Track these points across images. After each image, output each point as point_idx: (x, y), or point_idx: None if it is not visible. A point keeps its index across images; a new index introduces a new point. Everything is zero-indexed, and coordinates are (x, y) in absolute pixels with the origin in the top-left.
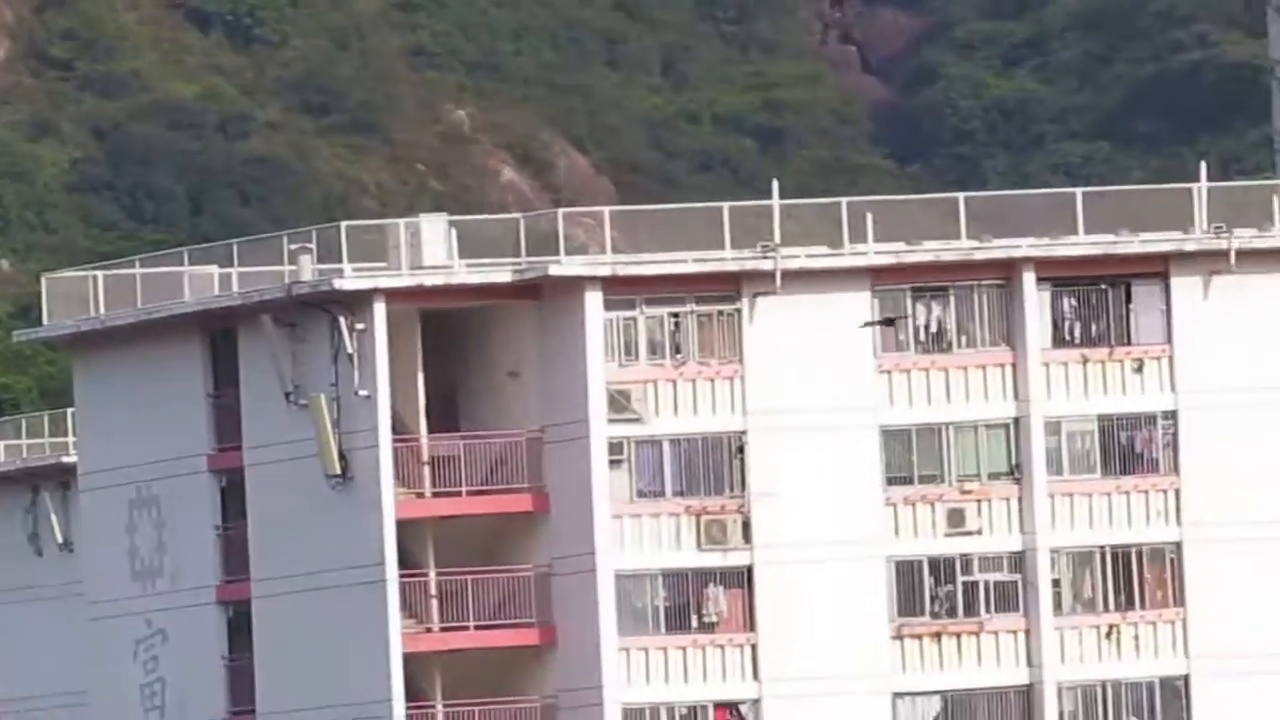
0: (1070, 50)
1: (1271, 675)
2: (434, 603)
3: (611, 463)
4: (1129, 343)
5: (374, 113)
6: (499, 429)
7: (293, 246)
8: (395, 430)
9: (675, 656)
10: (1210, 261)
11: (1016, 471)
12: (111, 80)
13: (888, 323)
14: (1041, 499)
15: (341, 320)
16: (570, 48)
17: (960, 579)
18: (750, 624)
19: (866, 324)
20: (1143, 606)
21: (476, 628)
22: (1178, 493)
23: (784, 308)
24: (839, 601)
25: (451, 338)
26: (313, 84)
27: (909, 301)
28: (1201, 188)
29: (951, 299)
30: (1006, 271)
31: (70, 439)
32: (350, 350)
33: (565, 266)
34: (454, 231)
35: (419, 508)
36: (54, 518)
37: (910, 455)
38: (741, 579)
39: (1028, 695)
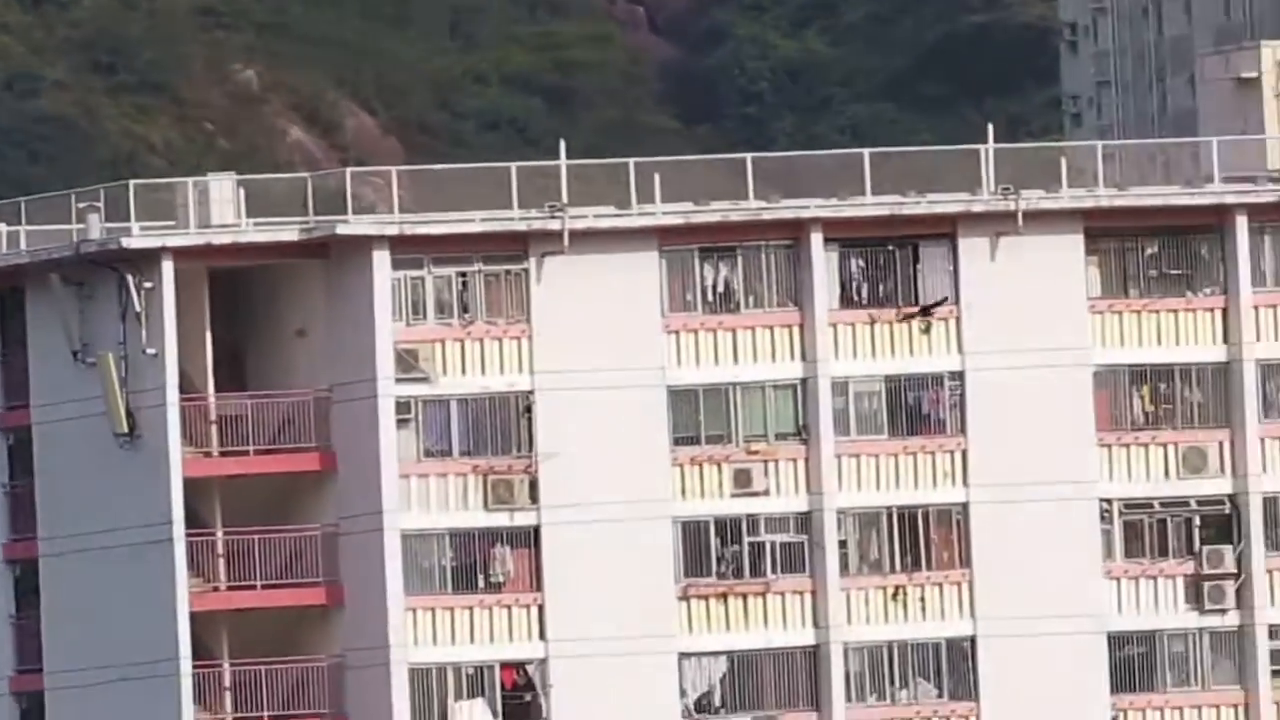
0: (858, 12)
1: (1055, 636)
2: (221, 562)
3: (399, 422)
4: (916, 304)
5: (163, 72)
6: (287, 388)
7: (81, 205)
8: (183, 389)
9: (462, 616)
10: (997, 223)
11: (803, 432)
12: None
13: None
14: (828, 460)
15: (129, 279)
16: (358, 8)
17: (747, 540)
18: (537, 584)
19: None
20: (929, 568)
21: (264, 587)
22: (964, 454)
23: (571, 268)
24: (625, 562)
25: (239, 297)
26: (101, 43)
27: (696, 262)
28: (989, 149)
29: (739, 260)
30: (794, 232)
31: None
32: (138, 309)
33: (353, 226)
34: (242, 190)
35: (206, 466)
36: None
37: (697, 415)
38: (528, 539)
39: (814, 656)
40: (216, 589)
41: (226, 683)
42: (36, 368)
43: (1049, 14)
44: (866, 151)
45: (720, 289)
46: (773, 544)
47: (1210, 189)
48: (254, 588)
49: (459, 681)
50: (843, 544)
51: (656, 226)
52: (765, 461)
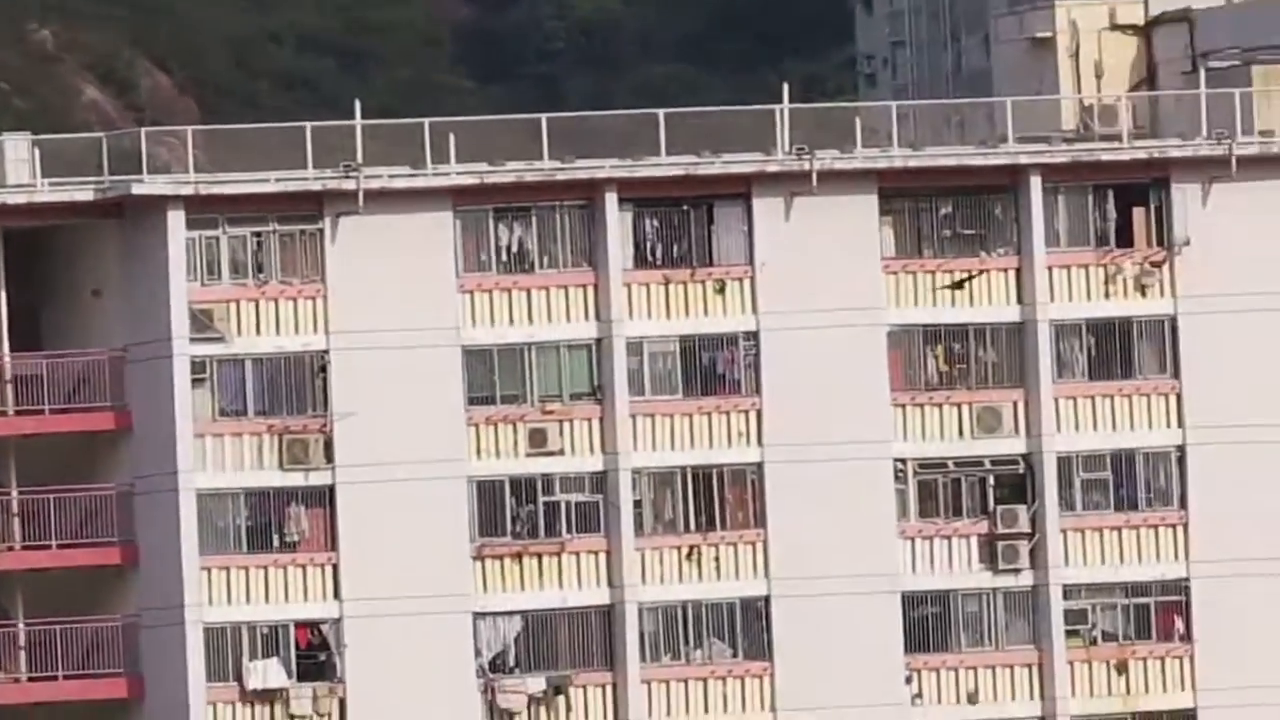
0: None
1: (849, 596)
2: (16, 521)
3: (194, 382)
4: (711, 264)
5: None
6: (83, 348)
7: None
8: None
9: (257, 576)
10: (792, 183)
11: (598, 392)
12: None
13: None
14: (623, 420)
15: None
16: None
17: (542, 499)
18: (332, 544)
19: (945, 286)
20: (724, 527)
21: (59, 547)
22: (759, 414)
23: (366, 228)
24: (420, 521)
25: (35, 256)
26: None
27: (491, 222)
28: (784, 110)
29: (534, 220)
30: (589, 193)
31: None
32: None
33: (148, 186)
34: (37, 150)
35: (1, 426)
36: None
37: (492, 375)
38: (323, 498)
39: (609, 616)
40: (11, 548)
41: (21, 642)
42: None
43: None
44: (661, 112)
45: (515, 249)
46: (568, 503)
47: (1004, 149)
48: (49, 547)
49: (254, 641)
50: (637, 504)
51: (451, 187)
52: (560, 421)
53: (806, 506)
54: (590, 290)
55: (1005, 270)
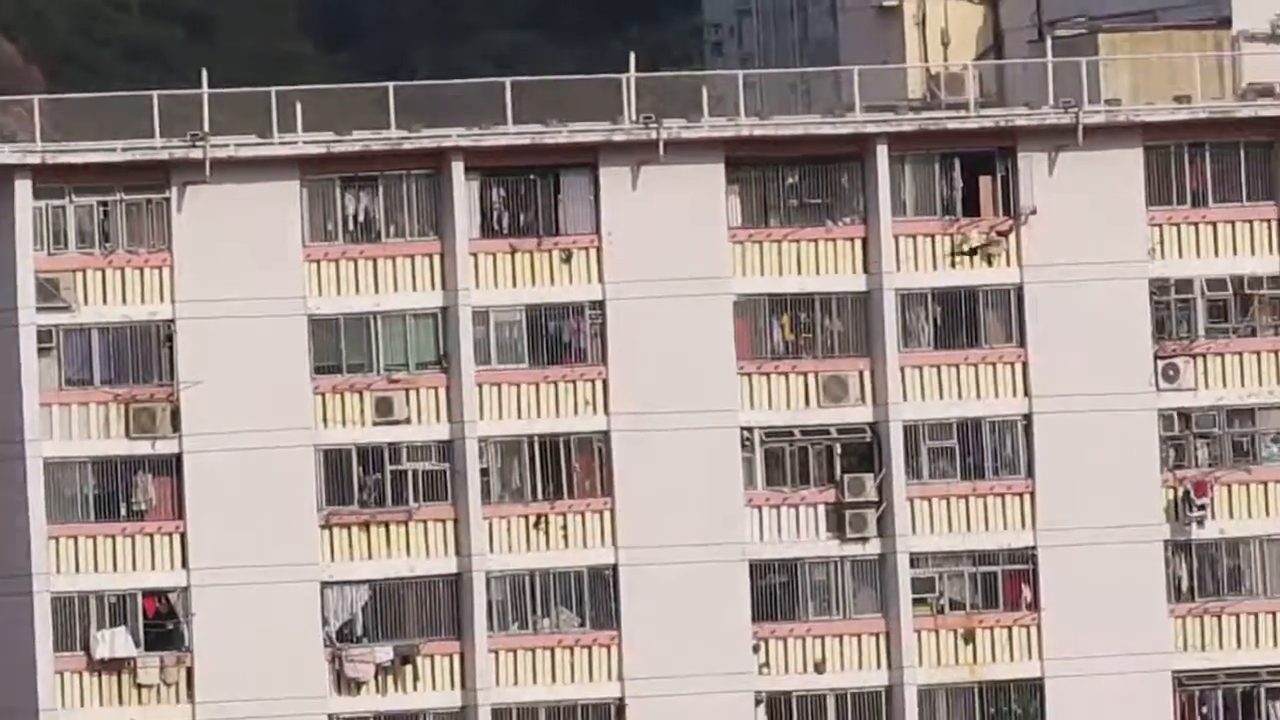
0: None
1: (696, 565)
2: None
3: (40, 351)
4: (557, 233)
5: None
6: None
7: None
8: None
9: (104, 545)
10: (639, 152)
11: (444, 361)
12: None
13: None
14: (469, 388)
15: None
16: None
17: (389, 468)
18: (179, 512)
19: (961, 252)
20: (570, 496)
21: None
22: (605, 383)
23: (213, 197)
24: (267, 490)
25: None
26: None
27: (338, 191)
28: (630, 78)
29: (380, 188)
30: (435, 162)
31: None
32: None
33: None
34: None
35: None
36: None
37: (339, 344)
38: (170, 467)
39: (456, 584)
40: None
41: None
42: None
43: None
44: (508, 81)
45: (361, 218)
46: (415, 472)
47: (850, 118)
48: None
49: (101, 610)
50: (484, 472)
51: (297, 156)
52: (406, 390)
53: (653, 475)
54: (436, 259)
55: (851, 239)
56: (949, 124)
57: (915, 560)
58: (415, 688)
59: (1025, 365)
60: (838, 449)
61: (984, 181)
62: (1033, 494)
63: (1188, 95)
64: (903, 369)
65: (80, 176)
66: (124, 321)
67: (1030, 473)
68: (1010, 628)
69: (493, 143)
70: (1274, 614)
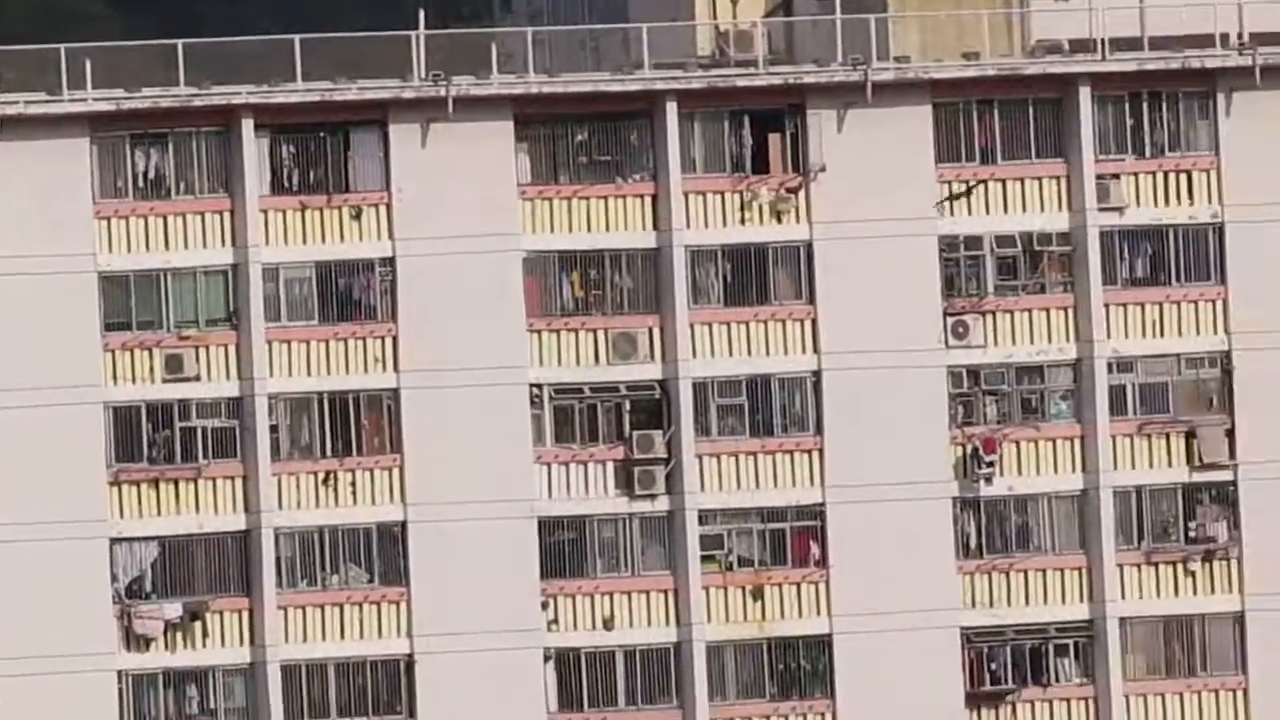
0: None
1: (486, 522)
2: None
3: None
4: (347, 190)
5: None
6: None
7: None
8: None
9: None
10: (428, 109)
11: (235, 318)
12: None
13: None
14: (259, 345)
15: None
16: None
17: (178, 425)
18: None
19: (939, 203)
20: (360, 453)
21: None
22: (395, 340)
23: (3, 154)
24: (56, 446)
25: None
26: None
27: (128, 149)
28: (419, 35)
29: (170, 146)
30: (225, 119)
31: None
32: None
33: None
34: None
35: None
36: None
37: (129, 301)
38: None
39: (245, 541)
40: None
41: None
42: None
43: None
44: (297, 38)
45: (151, 175)
46: (204, 429)
47: (640, 75)
48: None
49: None
50: (274, 429)
51: (87, 113)
52: (196, 347)
53: (443, 432)
54: (227, 216)
55: (641, 196)
56: (738, 81)
57: (704, 517)
58: (204, 644)
59: (815, 322)
60: (627, 406)
61: (773, 139)
62: (821, 451)
63: (976, 52)
64: (692, 326)
65: None
66: None
67: (819, 430)
68: (799, 584)
69: (282, 100)
70: (1061, 571)
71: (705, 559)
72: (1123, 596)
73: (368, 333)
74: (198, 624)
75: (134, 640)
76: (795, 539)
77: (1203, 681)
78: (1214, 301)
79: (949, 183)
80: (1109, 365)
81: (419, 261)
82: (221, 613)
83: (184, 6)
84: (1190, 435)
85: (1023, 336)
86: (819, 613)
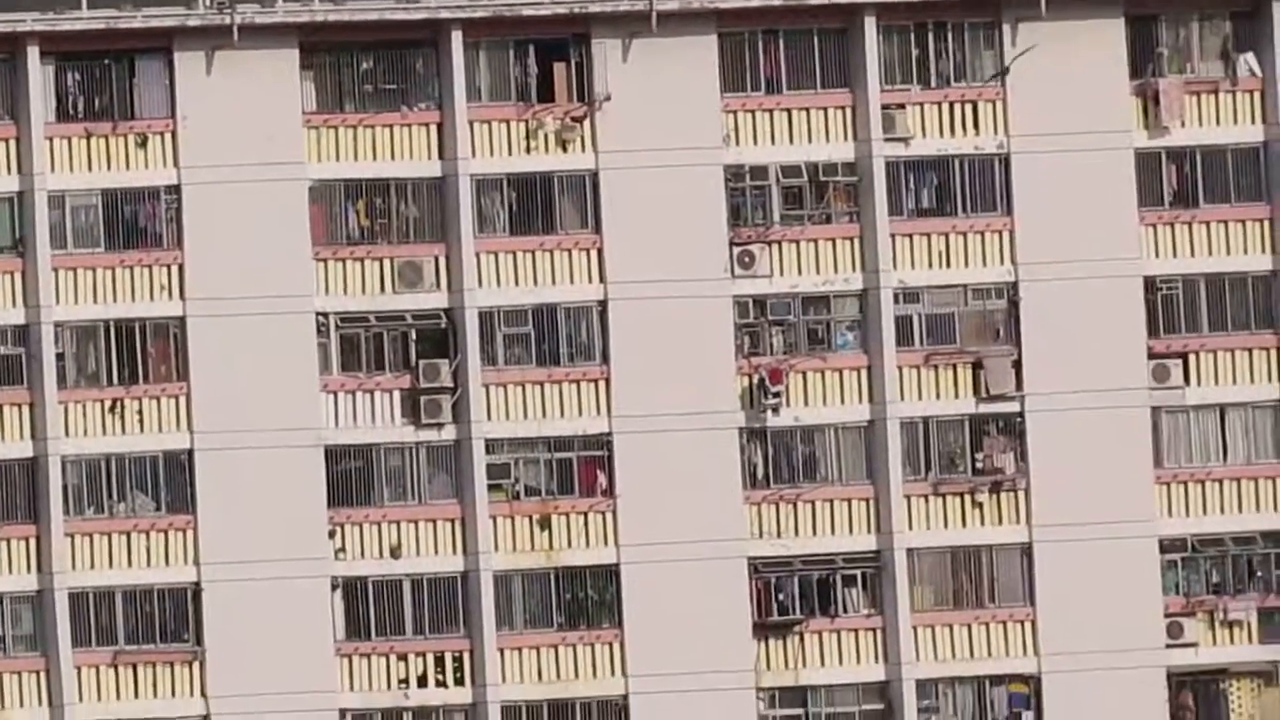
0: None
1: (268, 450)
2: None
3: None
4: (133, 118)
5: None
6: None
7: None
8: None
9: None
10: (214, 37)
11: (20, 245)
12: None
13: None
14: (45, 273)
15: None
16: None
17: None
18: None
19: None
20: (146, 381)
21: None
22: (181, 268)
23: None
24: None
25: None
26: None
27: None
28: None
29: None
30: (10, 46)
31: None
32: None
33: None
34: None
35: None
36: None
37: None
38: None
39: (32, 469)
40: None
41: None
42: None
43: None
44: None
45: None
46: None
47: (424, 4)
48: None
49: None
50: (60, 357)
51: None
52: None
53: (230, 361)
54: (12, 144)
55: (426, 125)
56: (524, 11)
57: (490, 446)
58: None
59: (600, 251)
60: (413, 335)
61: (559, 68)
62: (608, 380)
63: None
64: (478, 255)
65: None
66: None
67: (606, 359)
68: (586, 514)
69: (68, 27)
70: (849, 501)
71: (492, 488)
72: (910, 527)
73: (154, 260)
74: None
75: None
76: (582, 468)
77: (990, 613)
78: (1000, 232)
79: (734, 113)
80: (895, 296)
81: (205, 190)
82: (9, 540)
83: None
84: (977, 366)
85: (809, 267)
86: (606, 543)
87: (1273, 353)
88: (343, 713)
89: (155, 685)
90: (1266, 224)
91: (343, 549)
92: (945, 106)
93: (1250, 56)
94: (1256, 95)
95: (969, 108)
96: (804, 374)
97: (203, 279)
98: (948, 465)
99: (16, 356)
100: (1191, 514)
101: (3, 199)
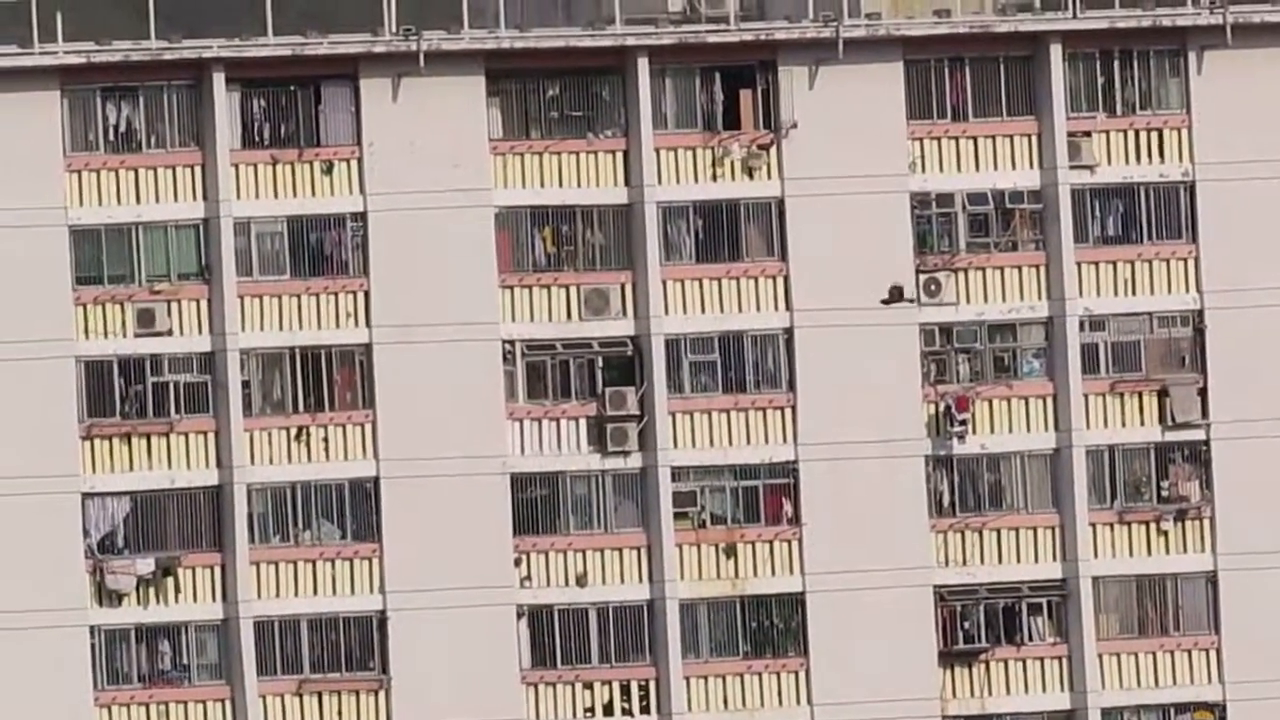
0: None
1: (458, 478)
2: None
3: None
4: (318, 144)
5: None
6: None
7: None
8: None
9: None
10: (399, 64)
11: (206, 272)
12: None
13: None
14: (231, 300)
15: None
16: None
17: (150, 379)
18: None
19: (885, 300)
20: (332, 408)
21: None
22: (367, 295)
23: None
24: (29, 401)
25: None
26: None
27: (99, 101)
28: None
29: (141, 99)
30: (196, 72)
31: None
32: None
33: None
34: None
35: None
36: None
37: (100, 255)
38: None
39: (217, 496)
40: None
41: None
42: None
43: None
44: None
45: (123, 129)
46: (176, 384)
47: (611, 31)
48: None
49: None
50: (246, 384)
51: (58, 66)
52: (168, 301)
53: (415, 388)
54: (198, 170)
55: (613, 152)
56: (709, 37)
57: (676, 474)
58: (176, 599)
59: (787, 279)
60: (599, 362)
61: (745, 95)
62: (794, 408)
63: (947, 9)
64: (664, 282)
65: None
66: None
67: (792, 387)
68: (771, 542)
69: (253, 54)
70: (1034, 529)
71: (678, 516)
72: (1095, 555)
73: (340, 288)
74: (170, 579)
75: (106, 595)
76: (768, 496)
77: (1175, 640)
78: (1185, 260)
79: (920, 140)
80: (1081, 323)
81: (390, 216)
82: (194, 568)
83: None
84: (1163, 394)
85: (995, 294)
86: (792, 571)
87: None
88: None
89: (340, 714)
90: None
91: (528, 577)
92: (1130, 134)
93: None
94: None
95: (1154, 135)
96: (990, 401)
97: (388, 306)
98: (1133, 493)
99: (202, 384)
100: None
101: (188, 225)
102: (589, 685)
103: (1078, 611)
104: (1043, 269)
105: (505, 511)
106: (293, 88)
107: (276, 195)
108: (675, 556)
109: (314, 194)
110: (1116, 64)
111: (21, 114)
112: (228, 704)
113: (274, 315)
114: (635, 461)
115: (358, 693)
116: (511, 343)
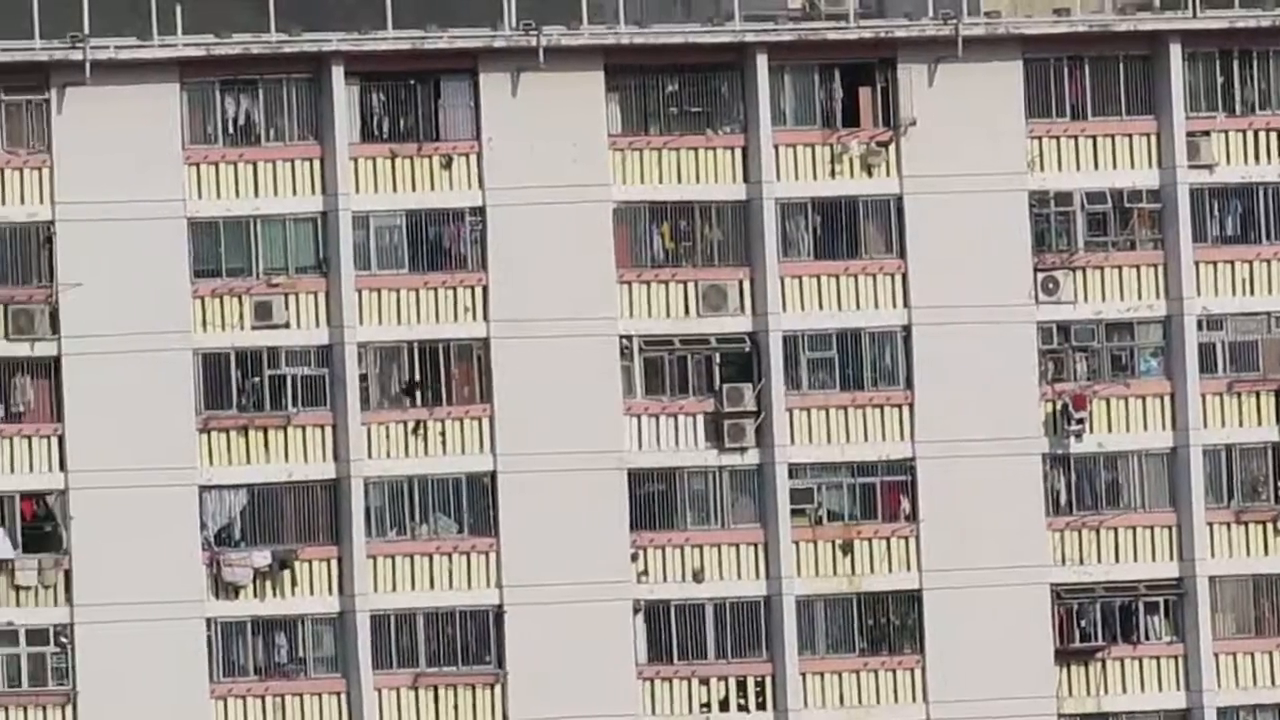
0: None
1: (576, 473)
2: None
3: None
4: (437, 139)
5: None
6: None
7: None
8: None
9: None
10: (519, 59)
11: (324, 265)
12: None
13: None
14: (349, 293)
15: None
16: None
17: (267, 372)
18: (57, 415)
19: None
20: (449, 403)
21: None
22: (485, 289)
23: (93, 99)
24: (147, 393)
25: None
26: None
27: (218, 94)
28: None
29: (260, 92)
30: (315, 66)
31: None
32: None
33: None
34: None
35: None
36: None
37: (218, 248)
38: (49, 369)
39: (334, 490)
40: None
41: None
42: None
43: None
44: None
45: (241, 121)
46: (293, 377)
47: (730, 27)
48: None
49: None
50: (363, 378)
51: (177, 58)
52: (286, 294)
53: (533, 382)
54: (316, 163)
55: (731, 148)
56: (829, 34)
57: (794, 471)
58: (293, 593)
59: (905, 276)
60: (717, 358)
61: (864, 92)
62: (911, 405)
63: (1067, 8)
64: (782, 279)
65: None
66: (3, 223)
67: (909, 384)
68: (889, 539)
69: (373, 47)
70: (1151, 528)
71: (795, 512)
72: (1212, 555)
73: (458, 282)
74: (286, 572)
75: (223, 588)
76: (885, 493)
77: None
78: None
79: (1039, 138)
80: (1199, 323)
81: (509, 211)
82: (310, 561)
83: None
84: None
85: (1113, 293)
86: (909, 568)
87: None
88: None
89: (456, 708)
90: None
91: (645, 572)
92: (1250, 134)
93: None
94: None
95: (1274, 135)
96: (1107, 400)
97: (506, 300)
98: (1250, 493)
99: (320, 377)
100: None
101: (307, 219)
102: (705, 681)
103: (1194, 610)
104: (1161, 268)
105: (622, 507)
106: (412, 82)
107: (395, 189)
108: (792, 553)
109: (433, 188)
110: (1236, 63)
111: (141, 107)
112: (343, 697)
113: (392, 309)
114: (752, 458)
115: (473, 687)
116: (629, 338)
